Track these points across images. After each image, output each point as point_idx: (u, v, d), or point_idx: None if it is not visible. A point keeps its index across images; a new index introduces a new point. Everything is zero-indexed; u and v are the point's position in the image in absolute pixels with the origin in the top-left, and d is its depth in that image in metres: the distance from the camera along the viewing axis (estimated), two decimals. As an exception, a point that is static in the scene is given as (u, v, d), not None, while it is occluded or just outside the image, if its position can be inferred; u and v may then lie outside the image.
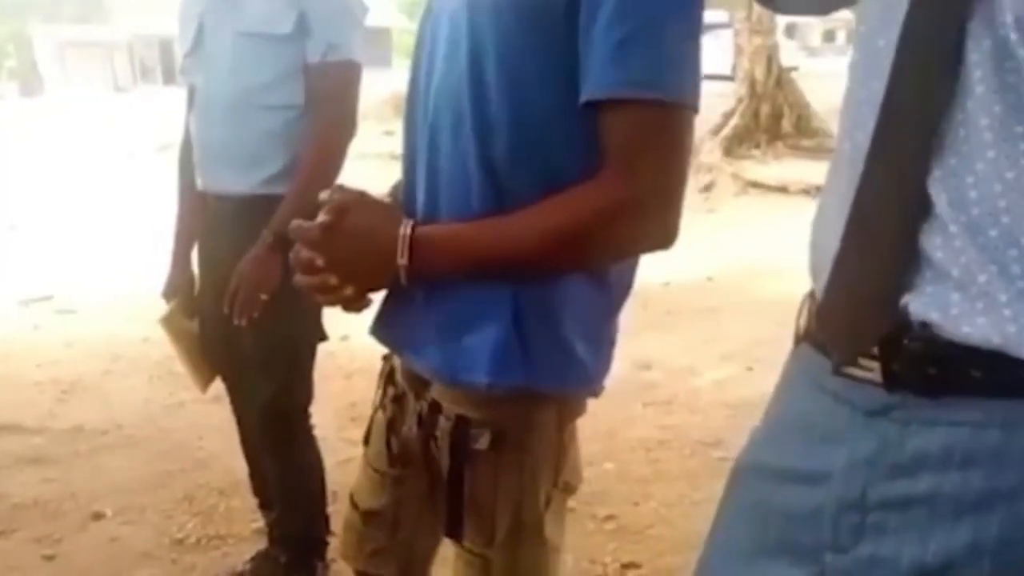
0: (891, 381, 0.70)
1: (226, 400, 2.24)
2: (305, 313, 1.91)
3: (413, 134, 1.07)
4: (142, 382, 3.70)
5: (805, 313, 0.83)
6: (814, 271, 0.81)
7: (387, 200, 1.14)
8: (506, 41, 0.94)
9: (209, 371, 2.17)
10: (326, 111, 1.87)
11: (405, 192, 1.10)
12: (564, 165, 0.96)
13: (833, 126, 9.83)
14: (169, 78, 30.23)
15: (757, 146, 8.96)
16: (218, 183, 1.96)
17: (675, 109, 0.92)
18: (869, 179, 0.71)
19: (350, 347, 3.31)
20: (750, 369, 3.73)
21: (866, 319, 0.71)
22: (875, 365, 0.71)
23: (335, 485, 2.26)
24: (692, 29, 0.93)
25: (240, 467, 2.32)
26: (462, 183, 0.99)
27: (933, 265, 0.67)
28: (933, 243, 0.67)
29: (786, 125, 9.31)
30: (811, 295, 0.82)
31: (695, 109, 0.94)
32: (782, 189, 7.41)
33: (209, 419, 3.00)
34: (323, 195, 1.02)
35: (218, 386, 2.21)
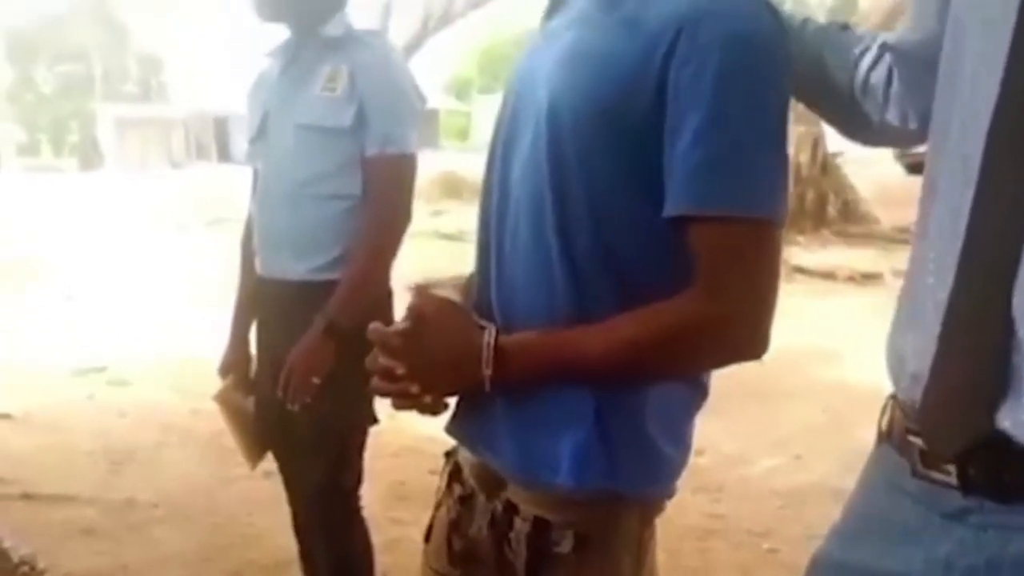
0: (967, 486, 0.72)
1: (275, 476, 2.26)
2: (357, 397, 1.93)
3: (488, 226, 1.07)
4: (193, 455, 3.74)
5: (887, 415, 0.84)
6: (896, 376, 0.82)
7: (459, 299, 1.12)
8: (586, 144, 0.94)
9: (261, 448, 2.19)
10: (382, 202, 1.92)
11: (480, 287, 1.09)
12: (648, 269, 0.96)
13: (879, 212, 9.79)
14: (223, 155, 31.18)
15: (802, 232, 8.96)
16: (276, 268, 2.01)
17: (762, 225, 0.92)
18: (960, 292, 0.73)
19: (397, 425, 3.30)
20: (798, 457, 3.68)
21: (958, 426, 0.72)
22: (953, 469, 0.72)
23: (382, 565, 2.25)
24: (778, 142, 0.93)
25: (288, 545, 2.32)
26: (544, 281, 0.98)
27: (1013, 370, 0.69)
28: (1014, 349, 0.69)
29: (831, 211, 9.32)
30: (893, 398, 0.83)
31: (782, 223, 0.94)
32: (829, 275, 7.37)
33: (259, 495, 3.01)
34: (412, 300, 1.01)
35: (268, 462, 2.23)
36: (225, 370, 2.19)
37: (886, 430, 0.84)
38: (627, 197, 0.95)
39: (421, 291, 1.03)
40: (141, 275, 8.50)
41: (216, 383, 2.21)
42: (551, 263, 0.98)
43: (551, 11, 1.12)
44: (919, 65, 0.91)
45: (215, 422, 2.28)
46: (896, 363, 0.82)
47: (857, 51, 1.03)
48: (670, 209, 0.92)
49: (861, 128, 1.05)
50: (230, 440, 2.29)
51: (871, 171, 10.80)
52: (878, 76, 1.00)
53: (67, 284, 8.13)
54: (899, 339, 0.82)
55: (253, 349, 2.18)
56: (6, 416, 4.27)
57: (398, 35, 13.65)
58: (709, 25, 0.90)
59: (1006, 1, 0.71)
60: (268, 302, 2.06)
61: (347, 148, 1.90)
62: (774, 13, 0.96)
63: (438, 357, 0.99)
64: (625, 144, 0.94)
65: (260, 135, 2.03)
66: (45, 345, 5.85)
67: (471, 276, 1.14)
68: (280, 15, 1.96)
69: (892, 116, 0.99)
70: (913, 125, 0.97)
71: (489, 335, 0.97)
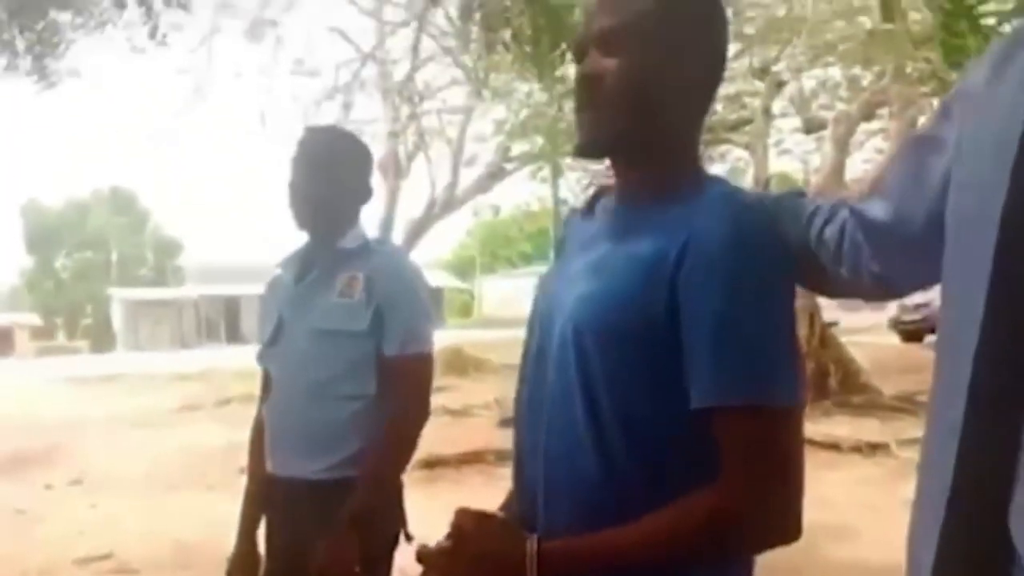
0: None
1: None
2: None
3: (522, 441, 1.14)
4: (197, 647, 3.66)
5: None
6: None
7: (501, 514, 1.17)
8: (612, 359, 1.02)
9: None
10: (401, 401, 1.97)
11: (520, 497, 1.14)
12: (681, 464, 1.01)
13: (875, 381, 9.76)
14: (232, 335, 31.66)
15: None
16: (289, 467, 2.04)
17: (784, 413, 0.98)
18: (954, 510, 0.75)
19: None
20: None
21: None
22: None
23: None
24: (788, 330, 1.00)
25: None
26: (583, 488, 1.04)
27: None
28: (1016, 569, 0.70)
29: (832, 383, 9.35)
30: None
31: (802, 408, 1.00)
32: (834, 447, 7.33)
33: None
34: (453, 519, 1.06)
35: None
36: (233, 569, 2.18)
37: None
38: (655, 401, 1.02)
39: (461, 509, 1.08)
40: (149, 458, 8.47)
41: (223, 571, 2.21)
42: (588, 473, 1.04)
43: (567, 236, 1.24)
44: (882, 237, 0.96)
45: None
46: (911, 568, 0.84)
47: (811, 209, 1.09)
48: (695, 402, 0.99)
49: (819, 281, 1.11)
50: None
51: (866, 339, 10.92)
52: (831, 231, 1.05)
53: (74, 468, 8.09)
54: (911, 535, 0.84)
55: (261, 547, 2.17)
56: (9, 613, 4.19)
57: (404, 221, 14.24)
58: (707, 239, 0.99)
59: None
60: (280, 501, 2.07)
61: (362, 350, 1.98)
62: (760, 210, 1.06)
63: (483, 571, 1.04)
64: (648, 350, 1.01)
65: (274, 341, 2.10)
66: (50, 533, 5.77)
67: (510, 493, 1.21)
68: (306, 225, 2.10)
69: (845, 270, 1.04)
70: (866, 281, 1.02)
71: (532, 544, 1.01)
